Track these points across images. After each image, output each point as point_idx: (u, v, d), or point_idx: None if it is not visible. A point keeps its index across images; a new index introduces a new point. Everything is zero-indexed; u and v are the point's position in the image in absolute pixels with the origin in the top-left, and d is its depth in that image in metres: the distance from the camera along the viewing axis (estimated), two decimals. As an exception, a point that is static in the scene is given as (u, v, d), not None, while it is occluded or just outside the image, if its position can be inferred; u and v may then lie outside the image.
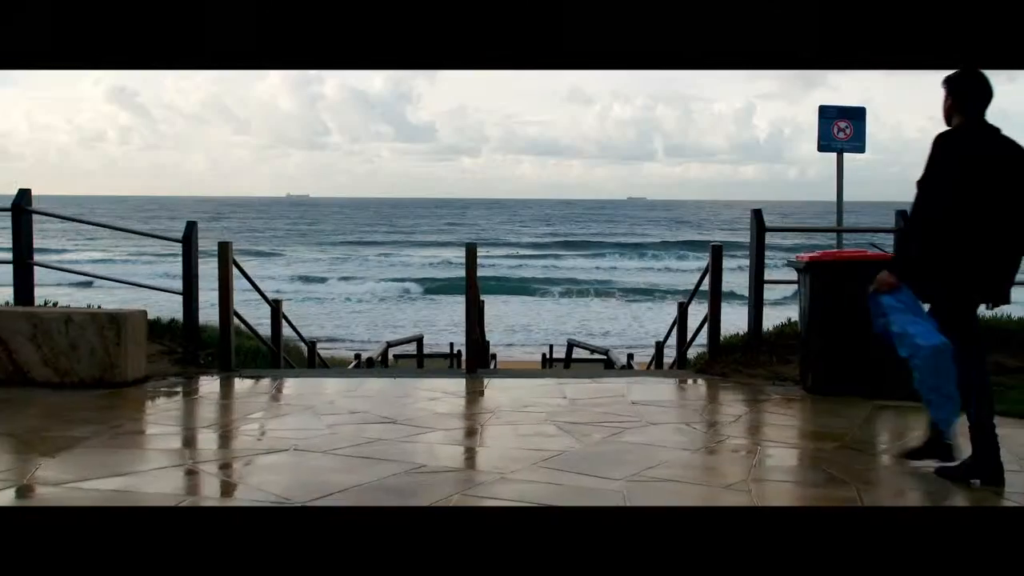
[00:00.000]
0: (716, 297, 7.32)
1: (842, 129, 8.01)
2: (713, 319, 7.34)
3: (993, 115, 3.82)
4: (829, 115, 8.02)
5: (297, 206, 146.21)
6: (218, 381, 6.66)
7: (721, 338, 7.46)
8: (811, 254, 6.19)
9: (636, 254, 55.96)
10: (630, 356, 12.68)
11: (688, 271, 46.59)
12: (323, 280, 42.28)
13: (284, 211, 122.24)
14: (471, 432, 5.06)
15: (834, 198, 8.31)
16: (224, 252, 7.13)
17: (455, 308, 33.46)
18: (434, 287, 38.99)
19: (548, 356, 19.28)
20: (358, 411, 5.49)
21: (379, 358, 13.90)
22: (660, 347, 10.27)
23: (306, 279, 42.41)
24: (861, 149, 8.10)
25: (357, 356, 12.53)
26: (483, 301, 9.24)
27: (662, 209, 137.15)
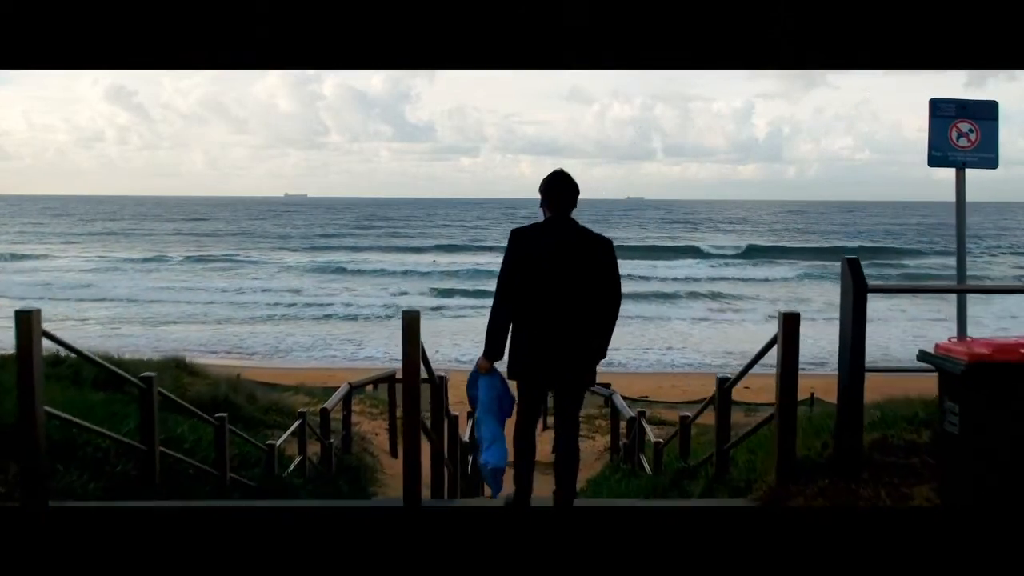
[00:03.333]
0: (790, 393, 4.70)
1: (964, 134, 5.38)
2: (785, 425, 4.76)
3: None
4: (945, 112, 5.32)
5: (291, 206, 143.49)
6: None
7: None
8: (975, 349, 3.62)
9: (636, 255, 53.38)
10: (641, 414, 10.15)
11: (688, 278, 44.08)
12: (300, 291, 39.65)
13: (279, 211, 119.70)
14: None
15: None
16: (26, 326, 4.56)
17: (450, 323, 30.88)
18: (428, 297, 36.50)
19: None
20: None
21: (336, 405, 11.45)
22: (688, 427, 7.63)
23: (284, 292, 39.71)
24: (992, 163, 5.40)
25: (301, 415, 9.94)
26: (445, 377, 6.63)
27: (661, 209, 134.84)
